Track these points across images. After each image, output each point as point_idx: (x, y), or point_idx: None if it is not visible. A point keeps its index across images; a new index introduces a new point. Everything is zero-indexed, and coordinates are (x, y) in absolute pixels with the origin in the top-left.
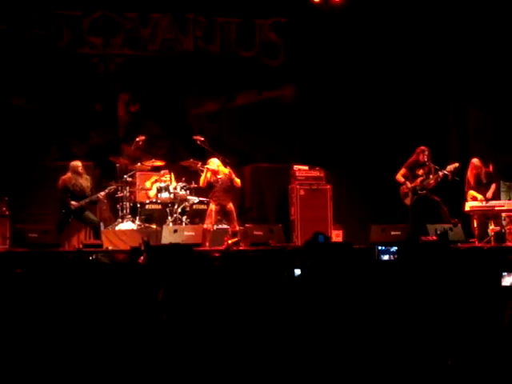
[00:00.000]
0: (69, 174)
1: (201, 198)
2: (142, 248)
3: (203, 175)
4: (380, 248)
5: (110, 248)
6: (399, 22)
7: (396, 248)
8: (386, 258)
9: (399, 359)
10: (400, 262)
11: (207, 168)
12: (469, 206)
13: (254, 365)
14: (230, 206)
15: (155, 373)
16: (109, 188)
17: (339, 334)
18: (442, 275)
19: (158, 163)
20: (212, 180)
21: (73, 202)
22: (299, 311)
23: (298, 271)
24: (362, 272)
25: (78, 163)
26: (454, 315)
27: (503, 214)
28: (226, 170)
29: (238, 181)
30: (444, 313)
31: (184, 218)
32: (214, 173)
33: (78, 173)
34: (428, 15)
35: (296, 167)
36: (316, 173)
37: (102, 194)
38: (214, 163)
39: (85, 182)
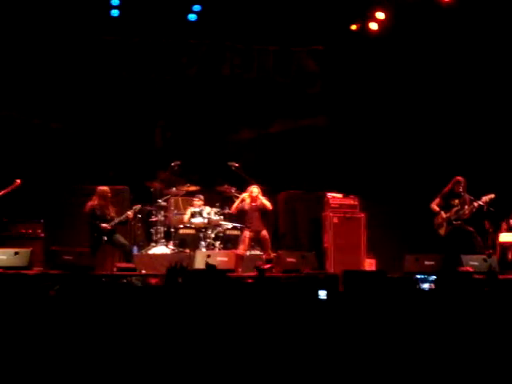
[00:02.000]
0: (96, 199)
1: (234, 224)
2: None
3: (237, 202)
4: (419, 277)
5: (143, 272)
6: (432, 52)
7: (434, 277)
8: (425, 286)
9: None
10: (439, 292)
11: (243, 197)
12: (503, 237)
13: None
14: (264, 233)
15: None
16: (134, 207)
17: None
18: (486, 307)
19: (193, 188)
20: (246, 207)
21: (103, 225)
22: (331, 337)
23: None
24: (400, 301)
25: (106, 189)
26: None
27: None
28: (261, 197)
29: (267, 203)
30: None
31: (217, 243)
32: (252, 200)
33: (106, 198)
34: (463, 50)
35: (330, 195)
36: (350, 201)
37: (129, 213)
38: (255, 191)
39: (110, 207)
